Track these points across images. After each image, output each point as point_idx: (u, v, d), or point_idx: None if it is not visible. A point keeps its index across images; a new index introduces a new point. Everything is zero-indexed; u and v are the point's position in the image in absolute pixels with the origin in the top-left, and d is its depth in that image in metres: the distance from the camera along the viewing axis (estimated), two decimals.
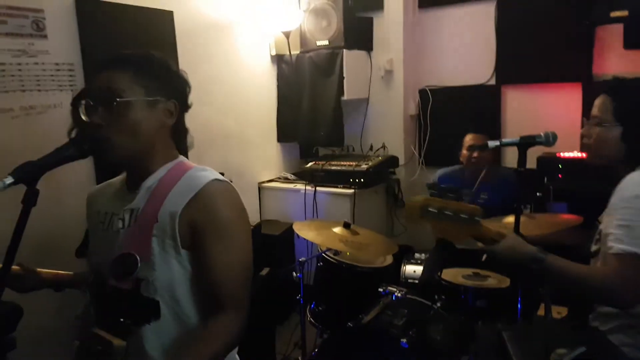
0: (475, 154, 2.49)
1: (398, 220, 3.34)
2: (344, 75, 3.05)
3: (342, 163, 3.05)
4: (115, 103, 0.97)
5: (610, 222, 1.22)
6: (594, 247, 1.37)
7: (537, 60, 2.89)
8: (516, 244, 1.24)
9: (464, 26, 3.15)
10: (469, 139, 2.59)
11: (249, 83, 3.09)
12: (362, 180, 2.91)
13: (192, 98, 1.12)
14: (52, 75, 2.03)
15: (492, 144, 1.56)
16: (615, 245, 1.18)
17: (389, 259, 2.07)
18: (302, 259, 1.94)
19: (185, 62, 2.50)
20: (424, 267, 2.55)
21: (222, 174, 1.09)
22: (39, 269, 1.19)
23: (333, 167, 3.03)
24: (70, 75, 2.09)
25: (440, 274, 1.99)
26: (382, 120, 3.32)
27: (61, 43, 2.04)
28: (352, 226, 1.93)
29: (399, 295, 1.77)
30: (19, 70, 1.92)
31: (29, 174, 0.88)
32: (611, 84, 1.38)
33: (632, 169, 1.29)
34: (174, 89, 1.06)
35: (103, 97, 0.98)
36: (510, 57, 3.01)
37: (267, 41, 3.20)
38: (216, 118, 2.83)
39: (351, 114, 3.33)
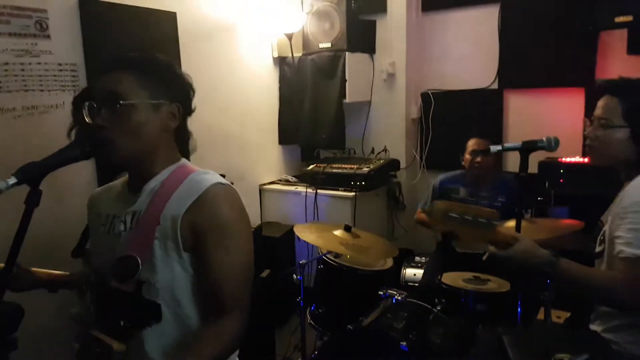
0: (478, 159, 2.48)
1: (399, 223, 3.34)
2: (346, 78, 3.05)
3: (343, 166, 3.05)
4: (118, 105, 0.97)
5: (620, 226, 1.22)
6: (598, 248, 1.37)
7: (540, 64, 2.89)
8: (530, 248, 1.23)
9: (467, 30, 3.16)
10: (472, 143, 2.58)
11: (250, 85, 3.10)
12: (363, 183, 2.91)
13: (194, 100, 1.12)
14: (54, 76, 2.03)
15: (494, 148, 1.56)
16: (626, 249, 1.18)
17: (390, 262, 2.07)
18: (302, 261, 1.93)
19: (188, 64, 2.50)
20: (424, 271, 2.55)
21: (223, 175, 1.09)
22: (33, 269, 1.18)
23: (334, 170, 3.03)
24: (73, 76, 2.09)
25: (441, 277, 1.99)
26: (384, 124, 3.32)
27: (64, 43, 2.05)
28: (352, 229, 1.93)
29: (399, 298, 1.77)
30: (22, 70, 1.92)
31: (32, 175, 0.88)
32: (616, 84, 1.35)
33: (638, 171, 1.28)
34: (178, 93, 1.06)
35: (107, 99, 0.98)
36: (513, 61, 3.01)
37: (270, 43, 3.20)
38: (218, 119, 2.83)
39: (353, 117, 3.33)
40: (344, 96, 3.10)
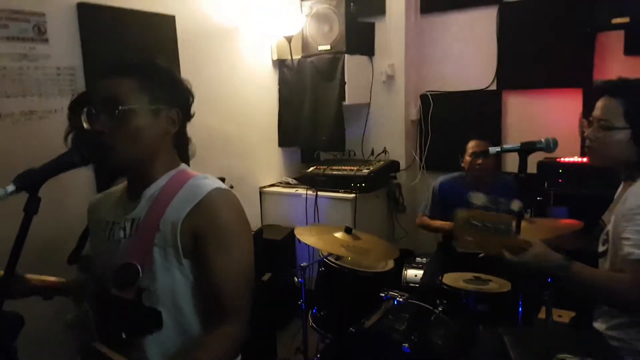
0: (479, 161, 2.49)
1: (399, 224, 3.34)
2: (346, 80, 3.06)
3: (343, 168, 3.05)
4: (117, 110, 0.97)
5: (627, 227, 1.22)
6: (601, 248, 1.37)
7: (538, 65, 2.90)
8: (544, 252, 1.22)
9: (466, 32, 3.17)
10: (472, 145, 2.58)
11: (250, 87, 3.10)
12: (363, 184, 2.91)
13: (193, 103, 1.12)
14: (53, 80, 2.03)
15: (492, 150, 1.57)
16: (636, 251, 1.18)
17: (391, 264, 2.07)
18: (303, 264, 1.93)
19: (187, 67, 2.50)
20: (424, 271, 2.55)
21: (223, 179, 1.09)
22: (27, 275, 1.16)
23: (334, 172, 3.03)
24: (72, 80, 2.09)
25: (442, 278, 1.99)
26: (384, 125, 3.33)
27: (62, 47, 2.05)
28: (353, 231, 1.93)
29: (401, 300, 1.77)
30: (20, 74, 1.92)
31: (30, 182, 0.87)
32: (616, 85, 1.35)
33: (639, 172, 1.28)
34: (178, 98, 1.06)
35: (106, 104, 0.98)
36: (511, 62, 3.02)
37: (269, 46, 3.21)
38: (217, 122, 2.83)
39: (352, 119, 3.34)
40: (344, 98, 3.10)
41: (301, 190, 3.07)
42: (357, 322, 1.70)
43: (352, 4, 3.03)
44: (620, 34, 2.61)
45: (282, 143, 3.38)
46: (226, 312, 1.00)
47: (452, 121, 3.22)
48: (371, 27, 3.28)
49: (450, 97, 3.25)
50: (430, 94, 3.30)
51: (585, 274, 1.22)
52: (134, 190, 1.08)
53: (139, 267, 0.97)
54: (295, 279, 1.92)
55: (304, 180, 3.16)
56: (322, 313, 1.97)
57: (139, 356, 1.00)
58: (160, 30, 2.45)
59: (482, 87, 3.14)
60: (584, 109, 2.80)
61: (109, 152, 0.98)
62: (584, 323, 1.47)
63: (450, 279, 2.00)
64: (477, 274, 2.03)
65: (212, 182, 1.04)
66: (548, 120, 2.94)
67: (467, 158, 2.58)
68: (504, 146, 1.56)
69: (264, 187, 3.26)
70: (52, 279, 1.21)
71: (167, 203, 1.01)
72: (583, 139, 1.52)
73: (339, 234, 1.90)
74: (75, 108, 1.64)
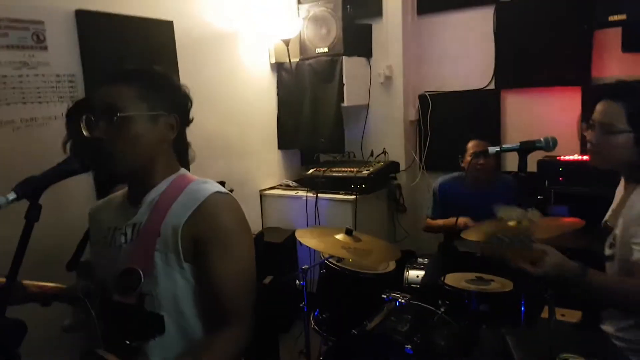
0: (481, 161, 2.49)
1: (400, 225, 3.34)
2: (344, 81, 3.06)
3: (343, 169, 3.05)
4: (116, 117, 0.98)
5: (638, 232, 1.22)
6: (608, 252, 1.37)
7: (536, 64, 2.90)
8: (561, 261, 1.21)
9: (463, 31, 3.17)
10: (472, 145, 2.58)
11: (249, 91, 3.11)
12: (363, 186, 2.91)
13: (192, 108, 1.12)
14: (52, 87, 2.04)
15: (492, 149, 1.56)
16: None
17: (392, 265, 2.07)
18: (304, 266, 1.93)
19: (185, 72, 2.51)
20: (425, 272, 2.55)
21: (223, 183, 1.10)
22: (24, 282, 1.16)
23: (334, 174, 3.03)
24: (71, 87, 2.10)
25: (444, 278, 1.99)
26: (383, 126, 3.33)
27: (62, 54, 2.06)
28: (354, 232, 1.93)
29: (403, 301, 1.77)
30: (20, 82, 1.93)
31: (31, 190, 0.88)
32: (617, 88, 1.35)
33: None
34: (176, 104, 1.07)
35: (104, 111, 0.99)
36: (509, 61, 3.02)
37: (267, 49, 3.21)
38: (217, 126, 2.84)
39: (351, 120, 3.34)
40: (342, 100, 3.10)
41: (301, 193, 3.07)
42: (360, 324, 1.70)
43: (349, 6, 3.04)
44: (618, 31, 2.61)
45: (281, 145, 3.39)
46: (228, 316, 1.01)
47: (451, 121, 3.22)
48: (368, 29, 3.29)
49: (449, 97, 3.25)
50: (429, 94, 3.30)
51: (601, 280, 1.23)
52: (135, 195, 1.08)
53: (141, 272, 0.97)
54: (297, 281, 1.92)
55: (304, 182, 3.16)
56: (324, 315, 1.97)
57: None
58: (159, 36, 2.46)
59: (481, 86, 3.14)
60: (583, 106, 2.80)
61: (109, 158, 0.99)
62: (591, 324, 1.47)
63: (452, 279, 2.00)
64: (479, 274, 2.02)
65: (212, 186, 1.05)
66: (547, 118, 2.94)
67: (468, 158, 2.58)
68: (504, 146, 1.56)
69: (264, 189, 3.26)
70: (50, 285, 1.21)
71: (167, 208, 1.02)
72: (582, 138, 1.52)
73: (339, 236, 1.90)
74: (72, 116, 1.64)
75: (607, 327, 1.38)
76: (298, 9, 3.22)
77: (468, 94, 3.17)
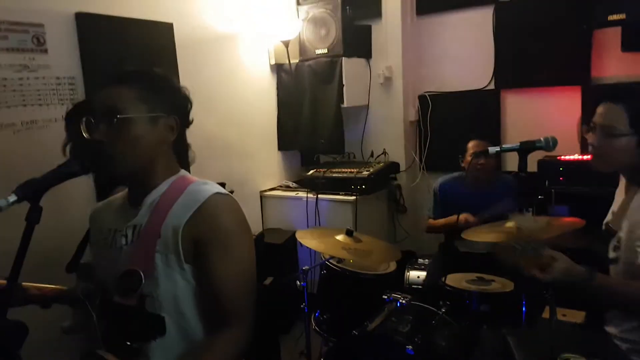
0: (482, 161, 2.49)
1: (400, 226, 3.34)
2: (344, 82, 3.07)
3: (343, 170, 3.05)
4: (116, 119, 0.98)
5: None
6: (612, 254, 1.36)
7: (535, 64, 2.90)
8: (569, 266, 1.21)
9: (462, 32, 3.17)
10: (472, 145, 2.58)
11: (249, 92, 3.11)
12: (363, 186, 2.91)
13: (192, 109, 1.12)
14: (53, 90, 2.04)
15: (492, 150, 1.56)
16: None
17: (393, 265, 2.07)
18: (305, 267, 1.93)
19: (185, 74, 2.51)
20: (427, 272, 2.54)
21: (224, 184, 1.10)
22: (24, 284, 1.15)
23: (334, 174, 3.03)
24: (71, 89, 2.10)
25: (445, 279, 1.98)
26: (383, 127, 3.33)
27: (62, 57, 2.06)
28: (354, 233, 1.93)
29: (404, 301, 1.77)
30: (21, 85, 1.93)
31: (32, 192, 0.88)
32: (617, 90, 1.35)
33: None
34: (175, 105, 1.07)
35: (104, 113, 0.99)
36: (508, 61, 3.02)
37: (266, 50, 3.22)
38: (217, 128, 2.84)
39: (351, 121, 3.34)
40: (342, 101, 3.11)
41: (301, 194, 3.07)
42: (360, 324, 1.70)
43: (348, 7, 3.04)
44: (617, 30, 2.61)
45: (281, 147, 3.39)
46: (229, 317, 1.01)
47: (451, 121, 3.22)
48: (368, 30, 3.29)
49: (449, 97, 3.25)
50: (429, 95, 3.30)
51: (611, 284, 1.24)
52: (135, 197, 1.08)
53: (142, 274, 0.97)
54: (298, 282, 1.92)
55: (304, 183, 3.16)
56: (324, 316, 1.97)
57: None
58: (159, 38, 2.47)
59: (480, 86, 3.14)
60: (583, 106, 2.79)
61: (109, 160, 0.99)
62: (595, 325, 1.47)
63: (453, 279, 2.00)
64: (479, 274, 2.02)
65: (212, 187, 1.05)
66: (547, 118, 2.94)
67: (468, 158, 2.58)
68: (504, 146, 1.56)
69: (265, 191, 3.26)
70: (50, 287, 1.21)
71: (167, 209, 1.02)
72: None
73: (340, 237, 1.90)
74: (71, 119, 1.64)
75: (611, 329, 1.38)
76: (297, 10, 3.23)
77: (468, 94, 3.18)
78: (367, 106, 3.35)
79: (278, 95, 3.33)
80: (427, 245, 3.13)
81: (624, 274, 1.31)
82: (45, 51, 2.00)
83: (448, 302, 1.80)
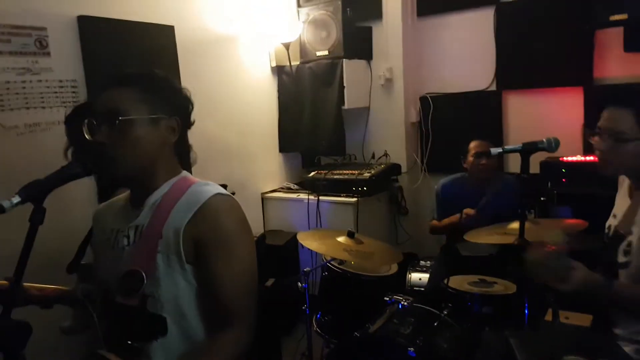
0: (483, 161, 2.49)
1: (402, 227, 3.33)
2: (344, 84, 3.07)
3: (344, 172, 3.05)
4: (117, 121, 0.98)
5: None
6: (622, 259, 1.35)
7: (537, 65, 2.90)
8: (587, 275, 1.20)
9: (463, 33, 3.17)
10: (474, 145, 2.58)
11: (249, 94, 3.12)
12: (364, 188, 2.91)
13: (193, 112, 1.13)
14: (55, 92, 2.05)
15: (494, 151, 1.56)
16: None
17: (394, 268, 2.07)
18: (306, 269, 1.93)
19: (187, 76, 2.52)
20: (430, 275, 2.54)
21: (225, 185, 1.10)
22: (25, 284, 1.15)
23: (335, 176, 3.03)
24: (74, 92, 2.11)
25: (448, 281, 1.98)
26: (384, 129, 3.33)
27: (64, 60, 2.07)
28: (356, 235, 1.92)
29: (405, 303, 1.76)
30: (24, 87, 1.94)
31: (35, 193, 0.89)
32: (622, 93, 1.34)
33: None
34: (177, 107, 1.08)
35: (106, 115, 1.00)
36: (510, 62, 3.02)
37: (267, 53, 3.23)
38: (218, 130, 2.85)
39: (352, 123, 3.34)
40: (343, 103, 3.11)
41: (303, 195, 3.07)
42: (362, 326, 1.70)
43: (348, 9, 3.05)
44: (619, 30, 2.60)
45: (282, 148, 3.39)
46: (230, 317, 1.01)
47: (453, 123, 3.21)
48: (368, 31, 3.30)
49: (450, 98, 3.25)
50: (430, 96, 3.30)
51: (629, 290, 1.23)
52: (137, 198, 1.09)
53: (143, 274, 0.97)
54: (299, 284, 1.92)
55: (305, 185, 3.17)
56: (326, 318, 1.96)
57: None
58: (160, 40, 2.48)
59: (482, 87, 3.14)
60: (585, 107, 2.79)
61: (111, 162, 0.99)
62: (602, 328, 1.46)
63: (455, 281, 1.99)
64: (482, 277, 2.02)
65: (213, 188, 1.05)
66: (549, 119, 2.93)
67: (470, 159, 2.57)
68: (506, 147, 1.55)
69: (266, 192, 3.27)
70: (51, 287, 1.21)
71: (169, 210, 1.02)
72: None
73: (341, 239, 1.90)
74: (70, 122, 1.64)
75: (620, 331, 1.37)
76: (298, 12, 3.23)
77: (470, 95, 3.17)
78: (368, 108, 3.35)
79: (279, 97, 3.33)
80: (429, 247, 3.12)
81: (635, 278, 1.30)
82: (48, 54, 2.02)
83: (450, 304, 1.79)
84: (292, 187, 3.30)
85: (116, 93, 1.01)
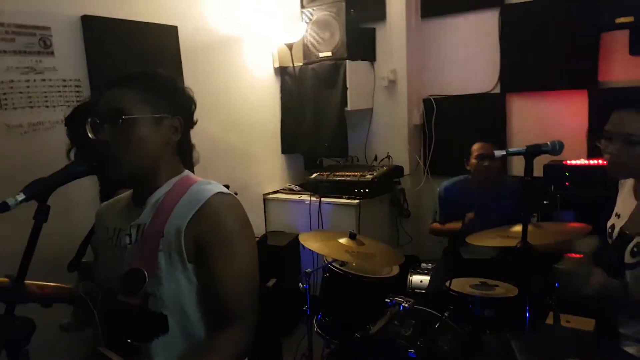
0: (486, 163, 2.48)
1: (404, 230, 3.32)
2: (347, 86, 3.07)
3: (346, 173, 3.05)
4: (120, 120, 0.99)
5: None
6: (631, 260, 1.34)
7: (542, 67, 2.89)
8: (604, 280, 1.22)
9: (467, 35, 3.17)
10: (477, 147, 2.57)
11: (252, 95, 3.12)
12: (367, 190, 2.91)
13: (196, 112, 1.13)
14: (59, 92, 2.06)
15: (498, 153, 1.55)
16: None
17: (396, 269, 2.06)
18: (308, 270, 1.93)
19: (190, 76, 2.53)
20: (431, 277, 2.53)
21: (227, 186, 1.10)
22: (26, 282, 1.12)
23: (338, 178, 3.03)
24: (77, 91, 2.12)
25: (450, 284, 1.97)
26: (387, 131, 3.33)
27: (68, 60, 2.08)
28: (357, 236, 1.92)
29: (406, 305, 1.76)
30: (27, 87, 1.95)
31: (40, 191, 0.89)
32: (629, 95, 1.34)
33: None
34: (180, 106, 1.08)
35: (109, 114, 1.00)
36: (514, 65, 3.01)
37: (270, 53, 3.23)
38: (220, 131, 2.85)
39: (355, 125, 3.34)
40: (346, 104, 3.11)
41: (305, 197, 3.07)
42: (363, 327, 1.70)
43: (352, 10, 3.05)
44: (625, 33, 2.59)
45: (285, 150, 3.39)
46: (231, 317, 1.01)
47: (456, 125, 3.21)
48: (372, 33, 3.30)
49: (454, 101, 3.24)
50: (433, 98, 3.30)
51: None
52: (139, 197, 1.09)
53: (145, 273, 0.98)
54: (300, 284, 1.92)
55: (307, 186, 3.17)
56: (327, 319, 1.96)
57: None
58: (163, 41, 2.49)
59: (486, 90, 3.13)
60: (590, 110, 2.77)
61: (113, 161, 1.00)
62: (606, 331, 1.45)
63: (457, 284, 1.98)
64: (483, 279, 2.01)
65: (215, 187, 1.05)
66: (553, 122, 2.92)
67: (473, 161, 2.57)
68: (510, 149, 1.54)
69: (268, 194, 3.27)
70: (51, 285, 1.21)
71: (171, 209, 1.02)
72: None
73: (343, 240, 1.90)
74: (70, 122, 1.64)
75: (625, 330, 1.37)
76: (301, 13, 3.24)
77: (473, 97, 3.17)
78: (371, 109, 3.35)
79: (282, 98, 3.34)
80: (430, 249, 3.12)
81: None
82: (52, 54, 2.03)
83: (451, 307, 1.79)
84: (294, 188, 3.30)
85: (119, 92, 1.02)
